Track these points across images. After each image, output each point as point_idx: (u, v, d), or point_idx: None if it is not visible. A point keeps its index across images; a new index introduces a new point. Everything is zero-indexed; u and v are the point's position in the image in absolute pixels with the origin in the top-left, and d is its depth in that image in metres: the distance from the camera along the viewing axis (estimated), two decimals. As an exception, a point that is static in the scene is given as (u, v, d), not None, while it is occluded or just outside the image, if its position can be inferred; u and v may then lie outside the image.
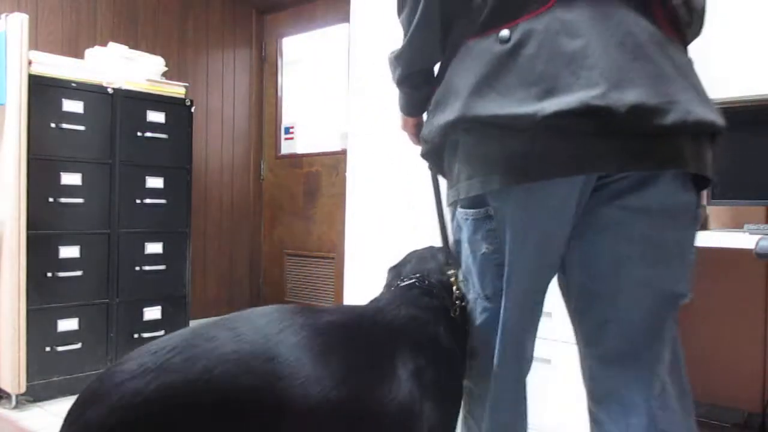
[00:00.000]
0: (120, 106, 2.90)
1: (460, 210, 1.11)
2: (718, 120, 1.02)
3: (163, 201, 3.04)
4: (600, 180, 0.99)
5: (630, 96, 0.91)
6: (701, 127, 0.99)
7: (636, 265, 1.01)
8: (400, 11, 1.13)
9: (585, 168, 0.96)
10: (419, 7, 1.07)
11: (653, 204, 1.00)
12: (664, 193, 1.00)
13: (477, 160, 1.00)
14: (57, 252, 2.68)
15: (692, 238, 1.06)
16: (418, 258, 1.24)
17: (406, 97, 1.24)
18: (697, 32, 1.24)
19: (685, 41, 1.11)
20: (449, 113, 1.01)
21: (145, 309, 2.97)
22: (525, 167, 0.95)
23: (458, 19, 1.05)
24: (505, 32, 0.97)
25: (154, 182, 3.01)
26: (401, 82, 1.19)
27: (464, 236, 1.12)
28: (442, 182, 1.20)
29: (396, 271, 1.28)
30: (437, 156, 1.13)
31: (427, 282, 1.14)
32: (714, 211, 2.44)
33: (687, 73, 1.03)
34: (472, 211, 1.06)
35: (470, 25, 1.01)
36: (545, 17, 0.95)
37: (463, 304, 1.13)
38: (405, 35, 1.12)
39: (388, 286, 1.27)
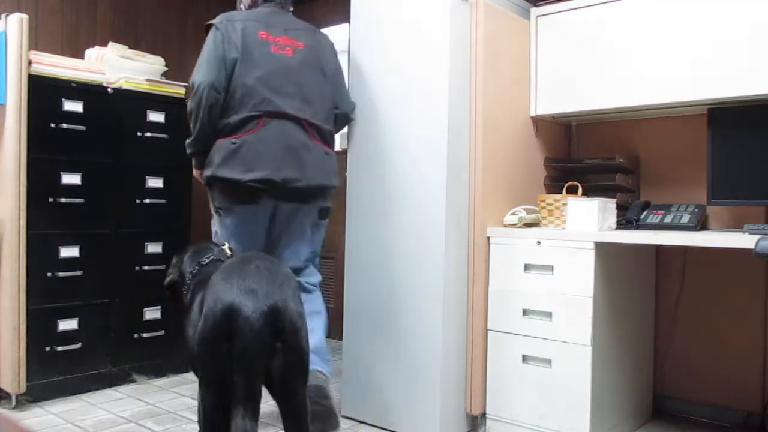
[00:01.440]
0: (120, 106, 2.90)
1: (221, 212, 2.32)
2: (331, 182, 2.36)
3: (163, 201, 3.04)
4: (276, 207, 2.29)
5: (284, 174, 2.21)
6: (319, 188, 2.33)
7: (295, 238, 2.39)
8: (188, 119, 2.29)
9: (260, 203, 2.25)
10: (197, 127, 2.24)
11: (301, 217, 2.36)
12: (304, 213, 2.35)
13: (224, 192, 2.27)
14: (57, 252, 2.69)
15: (318, 233, 2.45)
16: (197, 249, 2.00)
17: (196, 161, 2.39)
18: (342, 128, 2.55)
19: (327, 141, 2.37)
20: (208, 171, 2.26)
21: (145, 309, 2.97)
22: (241, 198, 2.24)
23: (217, 131, 2.24)
24: (234, 139, 2.21)
25: (154, 182, 3.01)
26: (193, 155, 2.37)
27: (221, 224, 2.33)
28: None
29: (182, 258, 2.01)
30: (209, 187, 2.35)
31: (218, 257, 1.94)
32: (714, 211, 2.44)
33: (320, 160, 2.31)
34: (222, 212, 2.31)
35: (221, 134, 2.24)
36: (253, 134, 2.21)
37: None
38: (192, 135, 2.29)
39: (194, 263, 1.92)
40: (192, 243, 2.18)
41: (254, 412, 1.46)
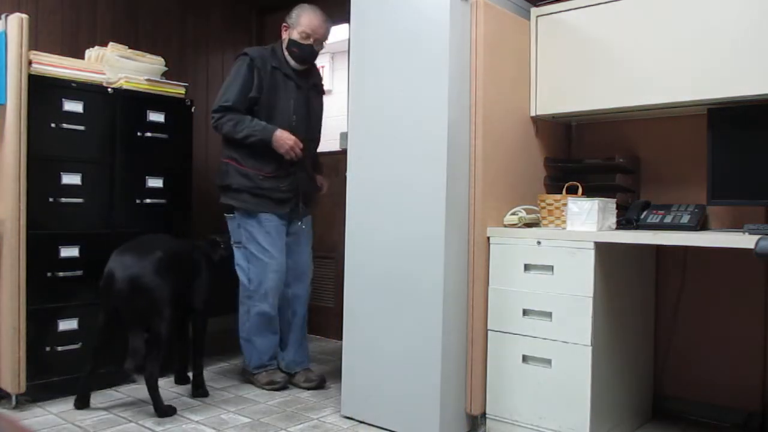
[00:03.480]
0: (120, 106, 2.89)
1: None
2: (220, 182, 2.90)
3: (163, 201, 3.04)
4: None
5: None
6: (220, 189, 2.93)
7: None
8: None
9: None
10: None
11: None
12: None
13: None
14: (57, 252, 2.68)
15: (228, 225, 2.93)
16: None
17: None
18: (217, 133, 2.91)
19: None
20: None
21: (145, 309, 2.97)
22: None
23: None
24: None
25: (154, 182, 3.01)
26: None
27: None
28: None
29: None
30: None
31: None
32: (714, 211, 2.44)
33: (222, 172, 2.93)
34: None
35: None
36: None
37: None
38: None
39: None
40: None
41: (135, 334, 2.42)
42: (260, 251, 2.81)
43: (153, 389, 2.48)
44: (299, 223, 2.95)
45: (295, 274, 2.97)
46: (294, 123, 2.85)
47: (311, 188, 3.01)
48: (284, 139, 2.75)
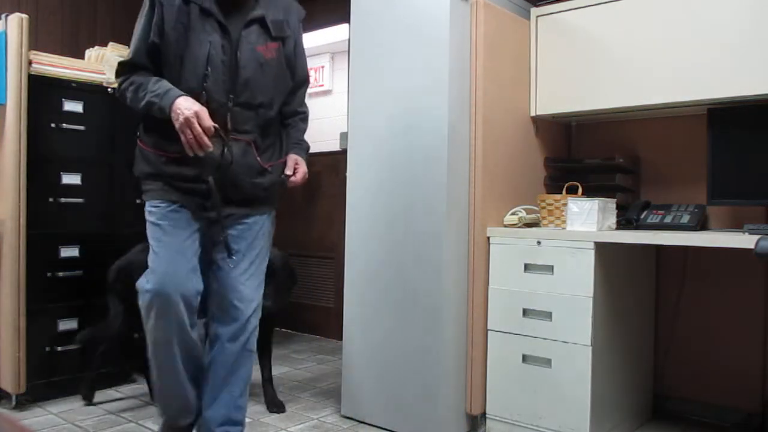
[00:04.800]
0: (120, 106, 2.88)
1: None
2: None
3: (163, 201, 3.03)
4: None
5: None
6: None
7: None
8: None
9: None
10: None
11: None
12: None
13: None
14: (57, 252, 2.68)
15: None
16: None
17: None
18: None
19: None
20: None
21: (145, 309, 2.97)
22: None
23: None
24: None
25: (154, 182, 3.01)
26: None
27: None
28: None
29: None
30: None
31: None
32: (714, 211, 2.44)
33: None
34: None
35: None
36: None
37: None
38: None
39: None
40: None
41: (113, 314, 2.57)
42: (151, 250, 1.96)
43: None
44: (226, 231, 1.94)
45: (219, 305, 1.96)
46: (209, 79, 1.83)
47: (250, 177, 1.92)
48: (180, 108, 1.75)
